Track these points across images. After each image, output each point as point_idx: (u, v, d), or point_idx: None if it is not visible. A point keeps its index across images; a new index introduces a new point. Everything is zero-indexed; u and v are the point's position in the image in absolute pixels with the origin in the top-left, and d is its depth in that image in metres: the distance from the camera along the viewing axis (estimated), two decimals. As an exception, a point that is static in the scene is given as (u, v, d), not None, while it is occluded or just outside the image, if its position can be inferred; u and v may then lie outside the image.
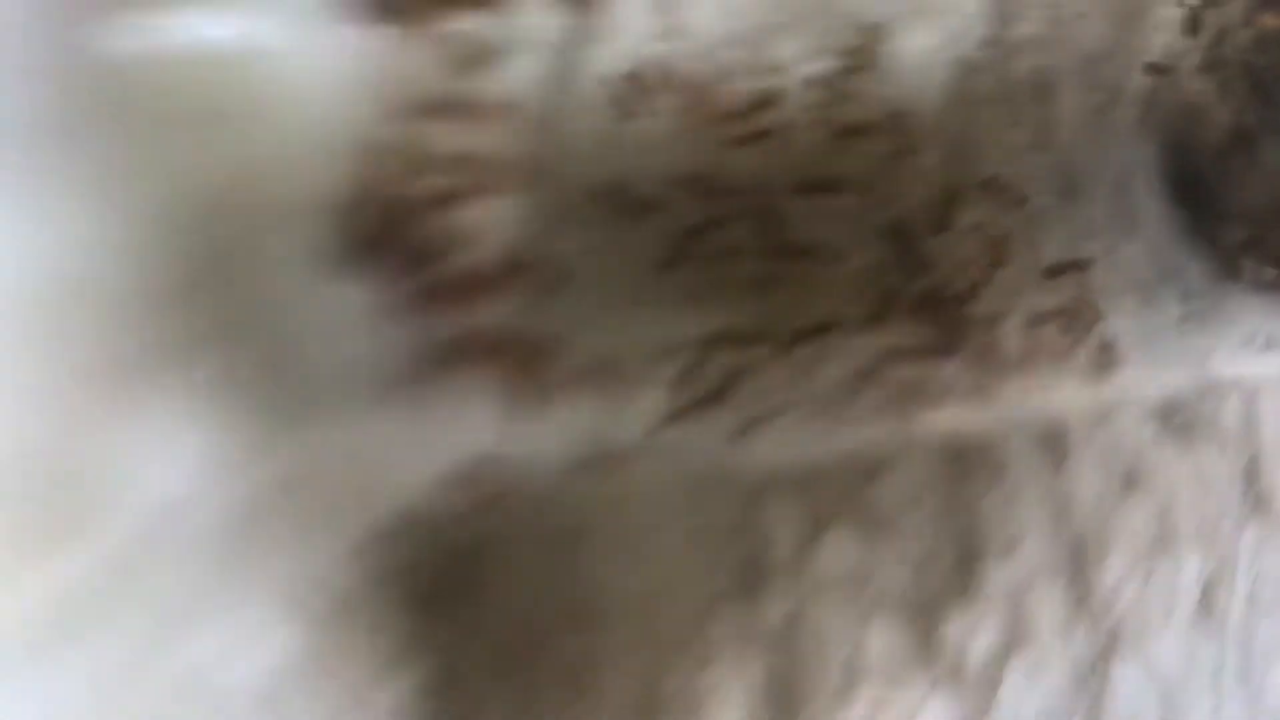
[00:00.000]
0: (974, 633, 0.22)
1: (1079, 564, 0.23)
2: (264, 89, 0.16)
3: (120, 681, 0.14)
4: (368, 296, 0.17)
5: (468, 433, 0.19)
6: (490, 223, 0.18)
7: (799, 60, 0.20)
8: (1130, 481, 0.23)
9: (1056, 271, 0.22)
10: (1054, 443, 0.23)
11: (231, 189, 0.15)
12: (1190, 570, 0.23)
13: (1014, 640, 0.22)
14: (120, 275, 0.14)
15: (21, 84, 0.13)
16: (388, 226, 0.17)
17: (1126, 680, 0.23)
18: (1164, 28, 0.22)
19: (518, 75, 0.18)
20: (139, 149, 0.14)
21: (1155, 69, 0.21)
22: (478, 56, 0.18)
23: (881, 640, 0.22)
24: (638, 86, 0.19)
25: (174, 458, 0.14)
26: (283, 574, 0.16)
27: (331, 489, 0.16)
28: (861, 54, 0.20)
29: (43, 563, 0.14)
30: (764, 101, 0.20)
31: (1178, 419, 0.24)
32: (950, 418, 0.22)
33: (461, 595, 0.20)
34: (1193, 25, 0.21)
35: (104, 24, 0.15)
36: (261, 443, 0.15)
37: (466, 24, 0.18)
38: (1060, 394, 0.23)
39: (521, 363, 0.19)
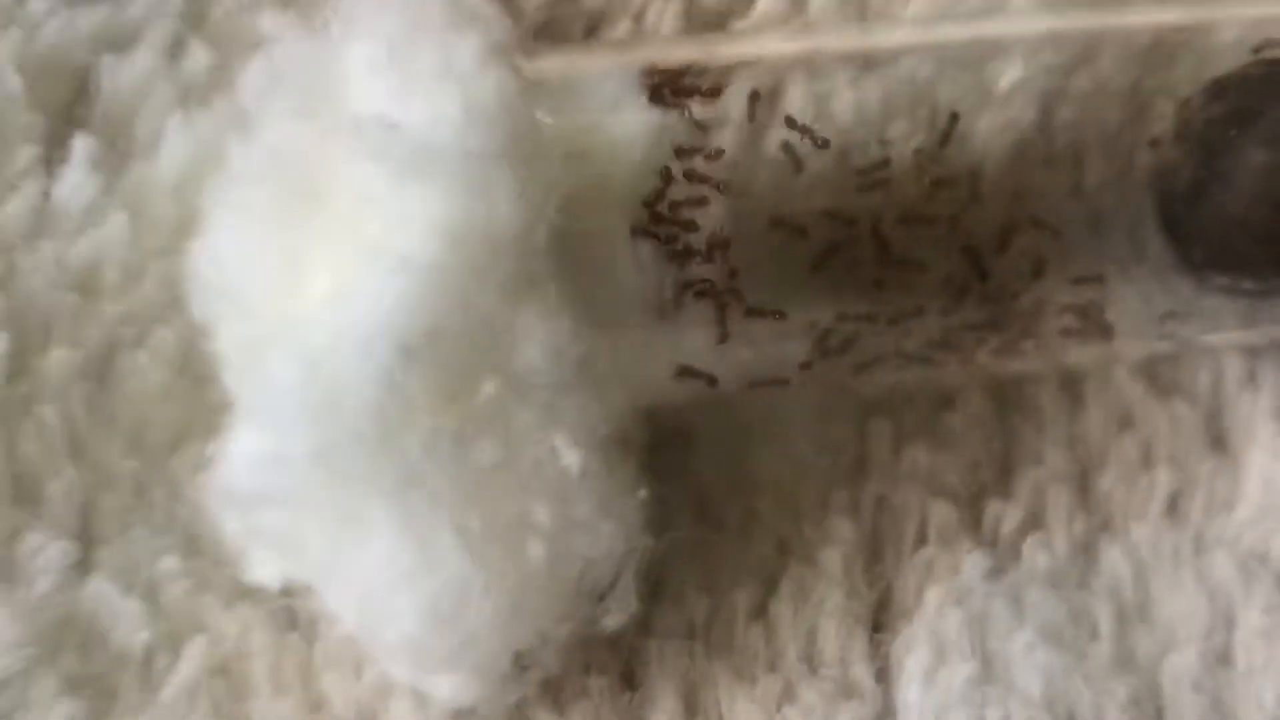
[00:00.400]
0: (1004, 515, 0.27)
1: (1084, 473, 0.27)
2: (606, 139, 0.24)
3: (498, 462, 0.22)
4: (649, 252, 0.24)
5: (691, 346, 0.25)
6: (710, 215, 0.24)
7: (904, 136, 0.26)
8: (1124, 421, 0.28)
9: (1080, 281, 0.26)
10: (1072, 389, 0.28)
11: (586, 191, 0.23)
12: (1162, 484, 0.27)
13: (1032, 521, 0.27)
14: (523, 234, 0.21)
15: (490, 130, 0.21)
16: (665, 212, 0.24)
17: (1110, 554, 0.27)
18: (1161, 116, 0.26)
19: (726, 139, 0.25)
20: (540, 169, 0.22)
21: (1154, 143, 0.26)
22: (708, 126, 0.25)
23: (939, 516, 0.27)
24: (803, 152, 0.25)
25: (532, 340, 0.22)
26: (579, 417, 0.22)
27: (608, 371, 0.23)
28: (946, 132, 0.26)
29: (467, 388, 0.21)
30: (881, 163, 0.25)
31: (1160, 378, 0.28)
32: (998, 367, 0.27)
33: (675, 458, 0.26)
34: (1181, 114, 0.26)
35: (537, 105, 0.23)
36: (573, 336, 0.22)
37: (702, 109, 0.25)
38: (1075, 355, 0.27)
39: (725, 308, 0.25)
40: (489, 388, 0.22)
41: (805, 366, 0.26)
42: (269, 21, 0.23)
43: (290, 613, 0.25)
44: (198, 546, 0.25)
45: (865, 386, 0.27)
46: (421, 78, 0.21)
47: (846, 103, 0.26)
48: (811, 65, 0.27)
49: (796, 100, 0.26)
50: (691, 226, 0.24)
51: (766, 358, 0.26)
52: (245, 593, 0.25)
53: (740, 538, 0.27)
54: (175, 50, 0.27)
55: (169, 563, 0.25)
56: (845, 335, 0.26)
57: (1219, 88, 0.26)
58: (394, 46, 0.21)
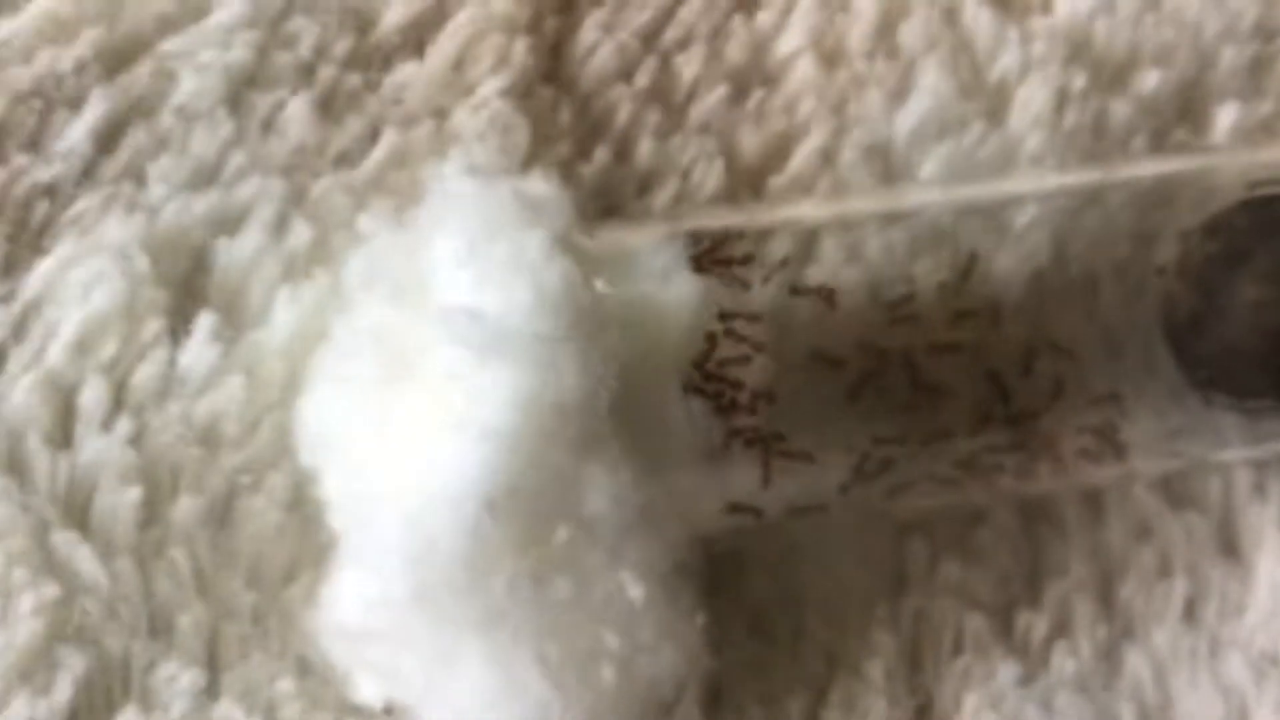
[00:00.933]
0: (1033, 624, 0.28)
1: (1107, 582, 0.29)
2: (658, 307, 0.26)
3: (572, 598, 0.24)
4: (699, 407, 0.26)
5: (739, 487, 0.27)
6: (753, 371, 0.27)
7: (928, 273, 0.28)
8: (1142, 532, 0.29)
9: (1097, 400, 0.28)
10: (1093, 504, 0.29)
11: (638, 356, 0.25)
12: (1178, 591, 0.29)
13: (1060, 629, 0.29)
14: (588, 400, 0.24)
15: (556, 314, 0.24)
16: (712, 370, 0.26)
17: (1132, 657, 0.28)
18: (1166, 245, 0.28)
19: (764, 292, 0.28)
20: (601, 341, 0.24)
21: (1160, 272, 0.28)
22: (744, 284, 0.28)
23: (973, 626, 0.28)
24: (835, 290, 0.28)
25: (598, 490, 0.24)
26: (642, 555, 0.24)
27: (665, 513, 0.25)
28: (967, 269, 0.28)
29: (543, 535, 0.23)
30: (907, 298, 0.27)
31: (1174, 491, 0.29)
32: (1022, 487, 0.28)
33: (728, 580, 0.28)
34: (1183, 247, 0.28)
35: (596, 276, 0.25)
36: (634, 484, 0.24)
37: (738, 272, 0.28)
38: (1093, 474, 0.29)
39: (767, 448, 0.27)
40: (562, 534, 0.24)
41: (844, 491, 0.27)
42: (367, 221, 0.26)
43: None
44: (309, 668, 0.27)
45: (899, 506, 0.29)
46: (497, 269, 0.24)
47: (875, 247, 0.28)
48: (843, 219, 0.29)
49: (830, 247, 0.28)
50: (738, 385, 0.26)
51: (808, 486, 0.27)
52: (353, 709, 0.27)
53: (791, 652, 0.28)
54: (280, 227, 0.29)
55: (285, 684, 0.27)
56: (881, 459, 0.27)
57: (1213, 227, 0.28)
58: (473, 242, 0.24)
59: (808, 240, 0.28)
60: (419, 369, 0.24)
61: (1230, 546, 0.29)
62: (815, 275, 0.28)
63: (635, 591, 0.25)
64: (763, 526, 0.27)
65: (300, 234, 0.29)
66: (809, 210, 0.29)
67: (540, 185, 0.26)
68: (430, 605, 0.24)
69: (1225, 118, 0.31)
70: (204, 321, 0.28)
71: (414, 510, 0.24)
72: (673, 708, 0.26)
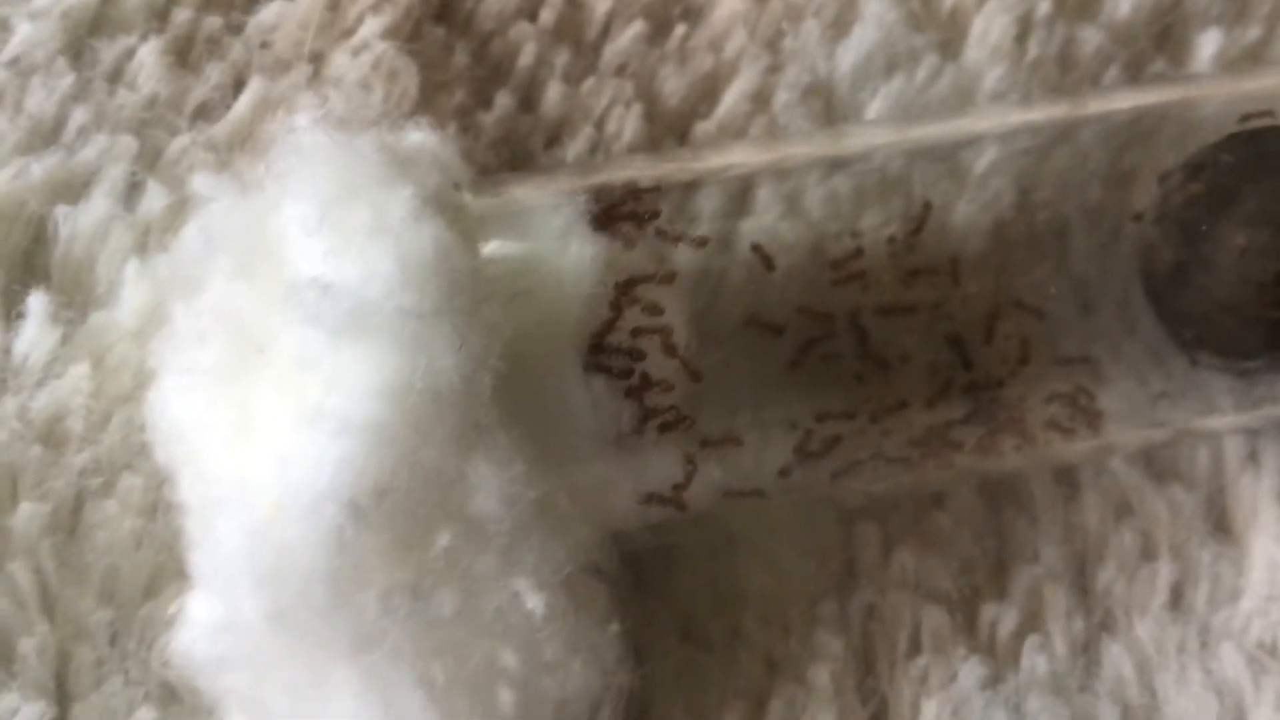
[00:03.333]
0: (1000, 618, 0.26)
1: (1081, 569, 0.27)
2: (552, 274, 0.23)
3: (458, 612, 0.21)
4: (602, 386, 0.23)
5: (656, 474, 0.24)
6: (666, 345, 0.24)
7: (877, 226, 0.25)
8: (1121, 510, 0.27)
9: (1068, 364, 0.26)
10: (1066, 481, 0.27)
11: (529, 330, 0.23)
12: (1163, 576, 0.27)
13: (1030, 623, 0.27)
14: (467, 385, 0.21)
15: (424, 285, 0.21)
16: (618, 344, 0.24)
17: (1112, 652, 0.26)
18: (1144, 188, 0.26)
19: (685, 252, 0.25)
20: (482, 316, 0.22)
21: (1138, 218, 0.26)
22: (656, 245, 0.25)
23: (932, 622, 0.26)
24: (774, 250, 0.25)
25: (485, 487, 0.22)
26: (540, 559, 0.22)
27: (568, 509, 0.23)
28: (920, 220, 0.25)
29: (421, 542, 0.21)
30: (854, 255, 0.25)
31: (1157, 464, 0.27)
32: (985, 464, 0.26)
33: (654, 580, 0.26)
34: (1162, 190, 0.26)
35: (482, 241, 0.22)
36: (528, 479, 0.22)
37: (649, 231, 0.24)
38: (1065, 449, 0.27)
39: (689, 429, 0.24)
40: (444, 539, 0.21)
41: (784, 474, 0.25)
42: (203, 182, 0.23)
43: None
44: (174, 696, 0.25)
45: (847, 490, 0.26)
46: (355, 235, 0.21)
47: (817, 198, 0.26)
48: (780, 166, 0.26)
49: (765, 199, 0.26)
50: (639, 355, 0.24)
51: (742, 470, 0.25)
52: None
53: (726, 657, 0.26)
54: (130, 192, 0.27)
55: (145, 715, 0.25)
56: (825, 437, 0.25)
57: (1195, 167, 0.26)
58: (326, 205, 0.21)
59: (739, 192, 0.26)
60: (271, 353, 0.22)
61: (1221, 524, 0.28)
62: (748, 232, 0.26)
63: (534, 601, 0.22)
64: (690, 519, 0.25)
65: (154, 199, 0.27)
66: (740, 157, 0.26)
67: (415, 136, 0.23)
68: (288, 629, 0.21)
69: (1207, 45, 0.29)
70: (41, 303, 0.26)
71: (262, 519, 0.21)
72: None
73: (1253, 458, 0.28)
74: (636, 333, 0.24)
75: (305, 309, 0.21)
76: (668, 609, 0.26)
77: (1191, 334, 0.26)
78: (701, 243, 0.25)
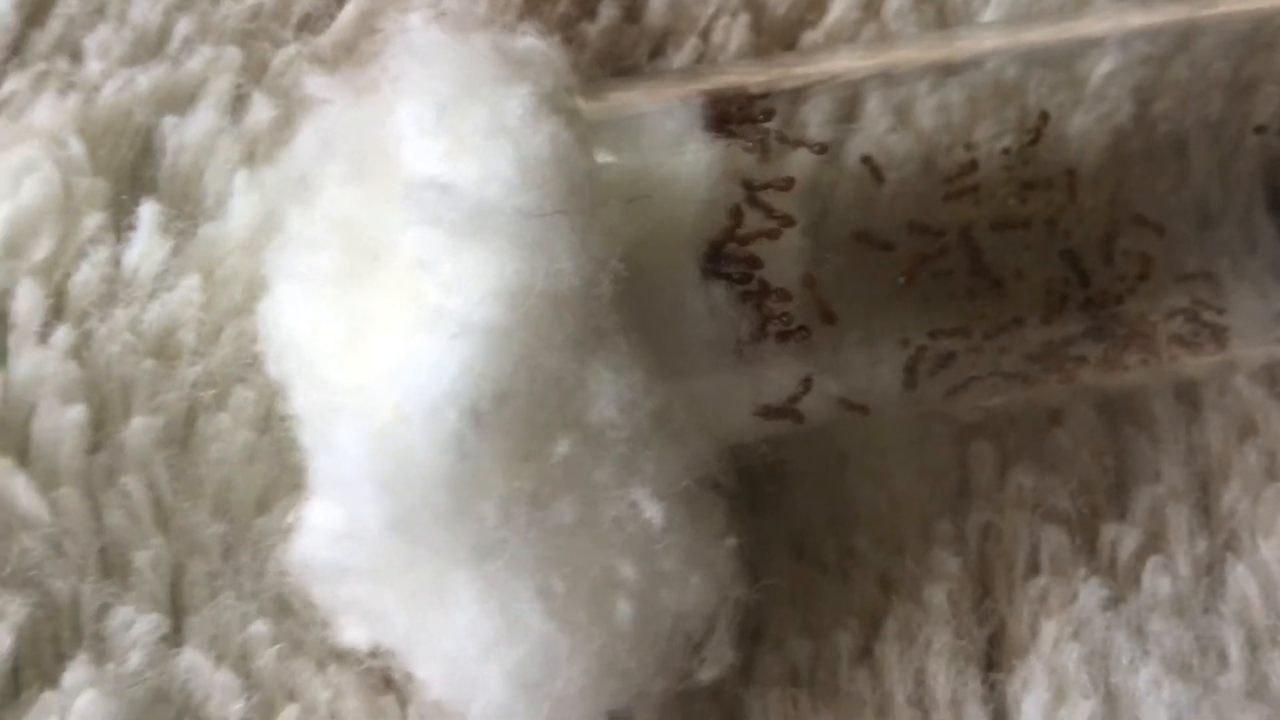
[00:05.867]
0: (1121, 539, 0.26)
1: (1204, 489, 0.27)
2: (670, 179, 0.23)
3: (578, 522, 0.21)
4: (721, 293, 0.23)
5: (772, 386, 0.24)
6: (785, 250, 0.24)
7: (990, 138, 0.25)
8: (1246, 429, 0.27)
9: (1189, 280, 0.25)
10: (1188, 399, 0.27)
11: (646, 236, 0.22)
12: None
13: (1152, 543, 0.26)
14: (587, 288, 0.21)
15: (543, 185, 0.21)
16: (736, 251, 0.23)
17: (1237, 573, 0.26)
18: (1266, 100, 0.25)
19: (796, 161, 0.24)
20: (600, 219, 0.21)
21: (1260, 130, 0.25)
22: (771, 150, 0.24)
23: (1051, 543, 0.26)
24: (882, 163, 0.24)
25: (605, 394, 0.21)
26: (659, 469, 0.22)
27: (686, 420, 0.22)
28: (1037, 131, 0.25)
29: (540, 450, 0.21)
30: (968, 168, 0.24)
31: None
32: (1105, 380, 0.26)
33: (767, 497, 0.26)
34: None
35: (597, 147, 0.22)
36: (647, 387, 0.21)
37: (765, 135, 0.24)
38: (1187, 365, 0.26)
39: (806, 340, 0.24)
40: (563, 447, 0.21)
41: (898, 391, 0.25)
42: (317, 84, 0.23)
43: (383, 675, 0.25)
44: (287, 609, 0.25)
45: (961, 409, 0.26)
46: (472, 136, 0.21)
47: (928, 108, 0.25)
48: (889, 74, 0.26)
49: (874, 109, 0.25)
50: (757, 263, 0.23)
51: (857, 386, 0.25)
52: (337, 655, 0.24)
53: (840, 576, 0.26)
54: (236, 104, 0.27)
55: (259, 628, 0.25)
56: (939, 354, 0.25)
57: None
58: (443, 105, 0.21)
59: (848, 101, 0.25)
60: (386, 258, 0.21)
61: (1348, 443, 0.27)
62: (858, 143, 0.25)
63: (652, 512, 0.22)
64: (805, 434, 0.25)
65: (260, 111, 0.27)
66: (848, 64, 0.25)
67: (527, 39, 0.23)
68: (409, 536, 0.21)
69: (1329, -49, 0.28)
70: (151, 213, 0.25)
71: (382, 425, 0.20)
72: (702, 645, 0.23)
73: (1380, 374, 0.27)
74: (754, 238, 0.23)
75: (424, 210, 0.20)
76: (782, 527, 0.26)
77: (1319, 249, 0.25)
78: (822, 149, 0.24)
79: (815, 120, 0.25)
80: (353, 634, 0.24)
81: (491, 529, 0.21)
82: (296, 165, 0.23)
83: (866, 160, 0.24)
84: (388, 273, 0.21)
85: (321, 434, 0.21)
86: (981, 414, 0.27)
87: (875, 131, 0.25)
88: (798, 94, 0.25)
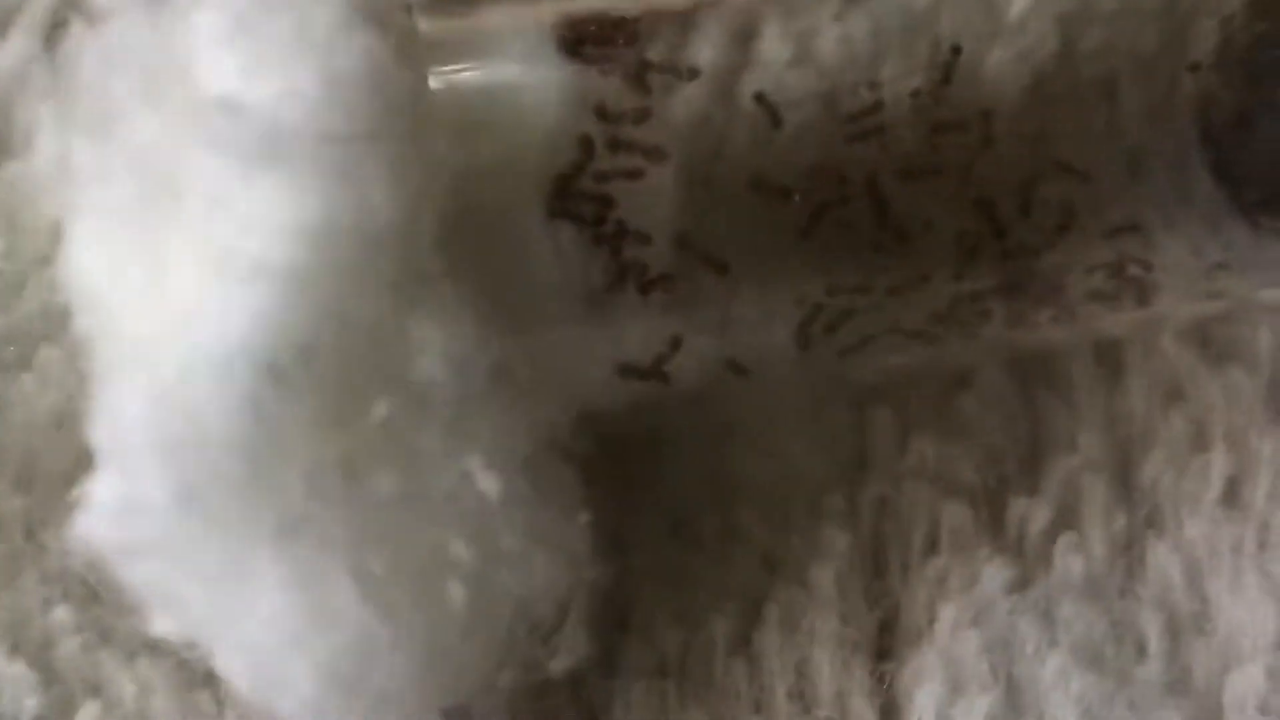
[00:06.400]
0: (1030, 515, 0.25)
1: (1124, 460, 0.26)
2: (513, 105, 0.22)
3: (400, 494, 0.20)
4: (570, 236, 0.22)
5: (634, 343, 0.23)
6: (654, 191, 0.22)
7: (899, 76, 0.24)
8: (1171, 395, 0.26)
9: (1115, 232, 0.24)
10: (1109, 361, 0.26)
11: (484, 170, 0.21)
12: (1217, 468, 0.26)
13: (1064, 520, 0.25)
14: (406, 226, 0.19)
15: (353, 106, 0.19)
16: (589, 188, 0.22)
17: (1158, 554, 0.25)
18: (1203, 36, 0.24)
19: (685, 96, 0.23)
20: (423, 147, 0.19)
21: (1195, 67, 0.24)
22: (653, 82, 0.22)
23: (952, 519, 0.25)
24: (779, 101, 0.23)
25: (430, 349, 0.20)
26: (496, 435, 0.20)
27: (530, 378, 0.21)
28: (948, 68, 0.24)
29: (359, 406, 0.19)
30: (873, 108, 0.23)
31: (1212, 342, 0.26)
32: (1017, 338, 0.25)
33: (639, 468, 0.25)
34: (1224, 33, 0.24)
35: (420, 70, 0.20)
36: (481, 341, 0.20)
37: (627, 60, 0.22)
38: (1108, 321, 0.25)
39: (675, 294, 0.23)
40: (380, 409, 0.19)
41: (787, 351, 0.24)
42: (100, -8, 0.20)
43: (203, 669, 0.23)
44: (94, 594, 0.23)
45: (857, 371, 0.25)
46: (272, 49, 0.19)
47: (830, 41, 0.24)
48: (788, 4, 0.25)
49: (770, 44, 0.24)
50: (610, 203, 0.22)
51: (741, 343, 0.24)
52: (150, 646, 0.23)
53: (719, 556, 0.25)
54: (54, 33, 0.25)
55: (61, 614, 0.23)
56: (837, 311, 0.24)
57: (1263, 3, 0.24)
58: (241, 14, 0.19)
59: (741, 33, 0.24)
60: (186, 192, 0.19)
61: (1284, 411, 0.26)
62: (752, 82, 0.24)
63: (487, 483, 0.20)
64: (685, 399, 0.24)
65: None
66: None
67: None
68: (200, 510, 0.19)
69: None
70: None
71: (166, 383, 0.18)
72: (552, 633, 0.22)
73: (1322, 336, 0.27)
74: (610, 176, 0.22)
75: (213, 135, 0.19)
76: (655, 501, 0.25)
77: (1255, 195, 0.24)
78: (693, 74, 0.23)
79: (704, 56, 0.24)
80: (163, 623, 0.22)
81: (297, 503, 0.19)
82: (82, 90, 0.21)
83: (760, 99, 0.23)
84: (184, 208, 0.19)
85: (102, 394, 0.20)
86: (881, 377, 0.26)
87: (772, 68, 0.24)
88: (683, 23, 0.24)
